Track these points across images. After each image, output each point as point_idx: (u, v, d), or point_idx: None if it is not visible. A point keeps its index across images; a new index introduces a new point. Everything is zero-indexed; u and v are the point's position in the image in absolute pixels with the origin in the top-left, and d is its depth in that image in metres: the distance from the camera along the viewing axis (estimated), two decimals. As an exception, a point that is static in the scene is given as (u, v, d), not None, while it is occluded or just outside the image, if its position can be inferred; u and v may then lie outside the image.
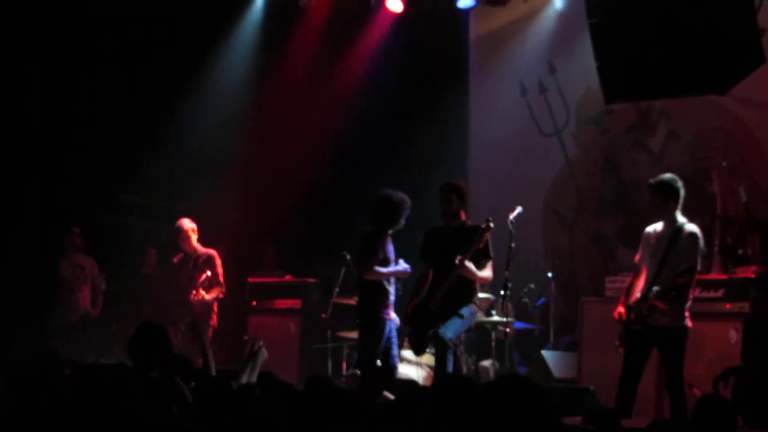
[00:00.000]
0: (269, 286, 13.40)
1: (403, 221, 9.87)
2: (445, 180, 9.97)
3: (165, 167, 14.32)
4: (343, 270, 12.53)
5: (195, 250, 11.96)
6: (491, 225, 9.39)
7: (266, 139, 14.86)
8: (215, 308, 11.82)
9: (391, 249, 9.87)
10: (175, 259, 12.15)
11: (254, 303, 13.25)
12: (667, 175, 8.97)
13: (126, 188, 14.08)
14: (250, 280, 13.51)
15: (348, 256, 12.56)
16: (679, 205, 8.84)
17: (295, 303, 13.06)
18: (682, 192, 8.84)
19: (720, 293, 10.00)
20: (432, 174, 13.33)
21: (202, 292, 11.54)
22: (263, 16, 14.99)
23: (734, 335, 9.07)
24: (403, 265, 9.83)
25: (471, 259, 9.32)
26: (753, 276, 9.81)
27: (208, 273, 11.61)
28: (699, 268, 8.85)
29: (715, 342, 9.83)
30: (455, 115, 14.98)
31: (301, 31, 14.93)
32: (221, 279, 11.82)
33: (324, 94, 14.83)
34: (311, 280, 13.34)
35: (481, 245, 9.35)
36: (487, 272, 9.54)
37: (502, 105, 14.81)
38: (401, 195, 9.88)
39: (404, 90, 14.84)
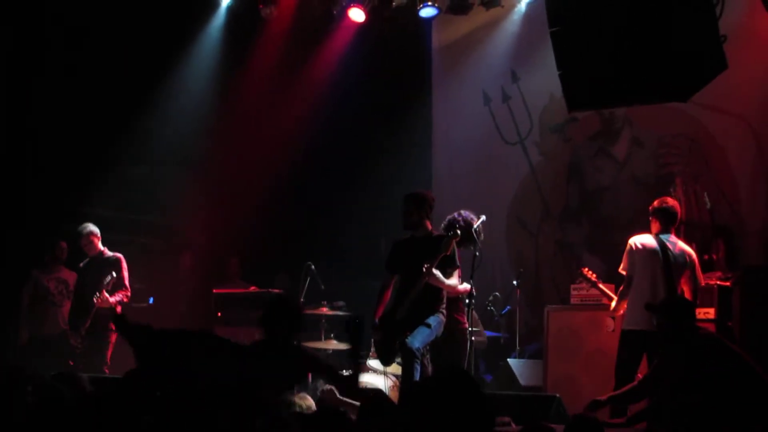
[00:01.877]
0: (234, 297, 13.30)
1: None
2: (409, 190, 9.95)
3: (129, 179, 14.23)
4: (308, 280, 12.49)
5: (101, 253, 11.92)
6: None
7: (230, 149, 14.80)
8: (118, 311, 11.60)
9: None
10: (82, 264, 12.07)
11: (219, 314, 13.16)
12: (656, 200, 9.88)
13: (89, 200, 13.94)
14: (214, 291, 13.42)
15: (313, 267, 12.52)
16: (656, 221, 9.75)
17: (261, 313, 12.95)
18: (655, 210, 9.75)
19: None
20: (395, 184, 13.33)
21: (106, 295, 11.43)
22: (225, 27, 14.93)
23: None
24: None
25: (438, 269, 9.30)
26: (724, 282, 10.07)
27: (113, 274, 11.50)
28: (626, 272, 9.70)
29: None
30: (419, 124, 14.99)
31: (263, 41, 14.87)
32: (126, 282, 11.72)
33: (287, 104, 14.79)
34: (276, 290, 13.26)
35: (448, 253, 9.32)
36: (453, 280, 9.52)
37: (465, 113, 14.81)
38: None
39: (368, 99, 14.79)
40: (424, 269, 9.22)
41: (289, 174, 14.74)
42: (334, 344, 11.98)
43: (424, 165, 14.89)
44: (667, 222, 9.71)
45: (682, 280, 9.57)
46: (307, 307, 12.36)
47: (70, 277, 12.74)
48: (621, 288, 9.78)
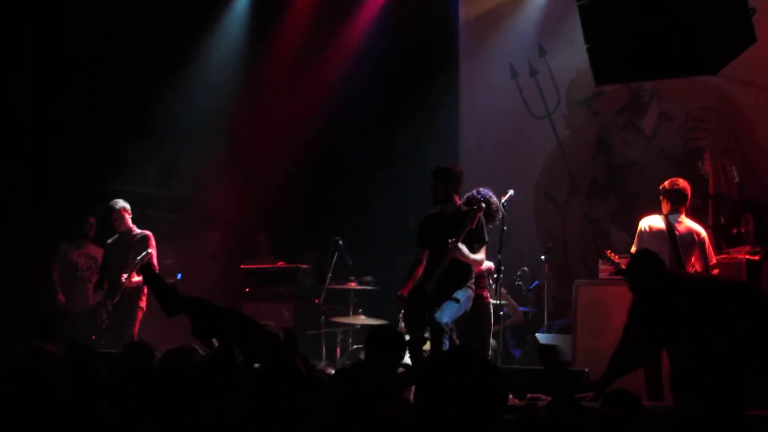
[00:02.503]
0: (262, 273, 13.33)
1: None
2: (436, 164, 9.95)
3: (157, 155, 14.26)
4: (336, 255, 12.52)
5: (130, 230, 11.89)
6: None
7: (257, 125, 14.80)
8: (145, 290, 11.48)
9: None
10: (110, 240, 12.05)
11: (247, 289, 13.20)
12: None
13: (117, 176, 13.97)
14: (243, 266, 13.47)
15: (341, 242, 12.55)
16: (666, 202, 9.92)
17: (289, 289, 13.00)
18: (665, 190, 9.93)
19: (715, 272, 10.07)
20: (423, 158, 13.33)
21: (135, 275, 11.39)
22: (251, 3, 14.94)
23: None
24: None
25: (465, 243, 9.29)
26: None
27: (150, 250, 11.48)
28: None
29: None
30: (445, 98, 14.93)
31: (290, 16, 14.88)
32: (154, 261, 11.68)
33: (313, 79, 14.79)
34: (304, 265, 13.28)
35: (474, 226, 9.31)
36: (480, 255, 9.52)
37: (492, 88, 14.75)
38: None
39: (394, 74, 14.77)
40: (449, 244, 9.23)
41: (317, 149, 14.74)
42: (362, 319, 12.02)
43: (452, 139, 14.85)
44: (677, 202, 9.84)
45: (693, 259, 9.72)
46: (335, 283, 12.41)
47: (98, 253, 12.74)
48: None
